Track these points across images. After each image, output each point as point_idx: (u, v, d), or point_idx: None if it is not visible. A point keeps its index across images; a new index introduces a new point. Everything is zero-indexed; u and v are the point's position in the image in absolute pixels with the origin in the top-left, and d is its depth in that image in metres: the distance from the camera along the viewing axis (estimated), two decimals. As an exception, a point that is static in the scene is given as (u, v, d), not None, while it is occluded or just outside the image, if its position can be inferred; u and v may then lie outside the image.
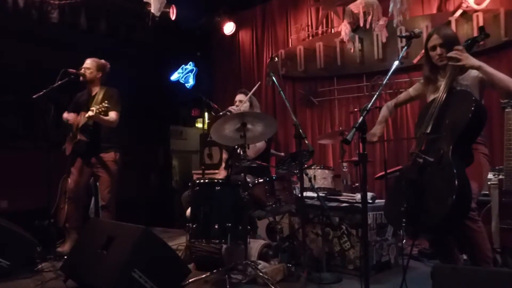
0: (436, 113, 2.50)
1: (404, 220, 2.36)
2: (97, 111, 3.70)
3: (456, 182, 2.22)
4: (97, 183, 4.15)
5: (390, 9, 4.75)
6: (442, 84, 2.58)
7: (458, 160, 2.34)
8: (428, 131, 2.50)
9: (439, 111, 2.50)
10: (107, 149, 4.06)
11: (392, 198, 2.73)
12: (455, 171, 2.26)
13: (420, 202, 2.35)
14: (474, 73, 2.58)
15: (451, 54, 2.53)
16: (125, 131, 4.26)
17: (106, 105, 3.72)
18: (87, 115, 3.76)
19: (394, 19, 4.80)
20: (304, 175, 3.29)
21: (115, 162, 4.07)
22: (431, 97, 2.74)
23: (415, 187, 2.40)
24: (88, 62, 4.10)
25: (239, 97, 4.07)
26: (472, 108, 2.37)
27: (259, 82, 4.01)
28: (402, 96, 3.10)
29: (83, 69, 4.05)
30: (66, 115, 4.14)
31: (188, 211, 3.69)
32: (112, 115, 3.94)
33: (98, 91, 4.07)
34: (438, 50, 2.67)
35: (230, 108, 3.95)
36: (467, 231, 2.42)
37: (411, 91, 3.01)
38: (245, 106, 3.95)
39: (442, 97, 2.52)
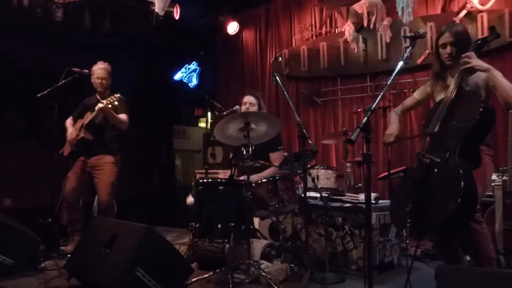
0: (444, 113, 2.49)
1: (408, 220, 2.35)
2: (108, 102, 3.71)
3: (462, 183, 2.21)
4: (97, 185, 4.14)
5: (399, 8, 4.73)
6: (451, 83, 2.56)
7: (464, 161, 2.32)
8: (435, 131, 2.48)
9: (447, 111, 2.49)
10: (109, 151, 4.06)
11: (397, 198, 2.72)
12: (461, 171, 2.25)
13: (426, 203, 2.34)
14: (483, 74, 2.57)
15: (461, 61, 2.51)
16: (128, 130, 4.26)
17: (118, 96, 3.72)
18: (98, 107, 3.76)
19: (404, 18, 4.78)
20: (307, 175, 3.29)
21: (115, 165, 4.07)
22: (439, 97, 2.72)
23: (421, 188, 2.39)
24: (101, 72, 4.09)
25: (248, 99, 3.91)
26: (480, 109, 2.36)
27: (236, 107, 3.93)
28: (408, 102, 3.03)
29: (100, 80, 4.06)
30: (68, 125, 4.15)
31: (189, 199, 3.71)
32: (123, 116, 3.96)
33: (108, 95, 4.08)
34: (448, 49, 2.63)
35: (235, 108, 3.92)
36: (470, 232, 2.42)
37: (417, 95, 2.95)
38: (254, 109, 3.88)
39: (451, 97, 2.50)
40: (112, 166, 4.05)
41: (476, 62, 2.47)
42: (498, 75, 2.46)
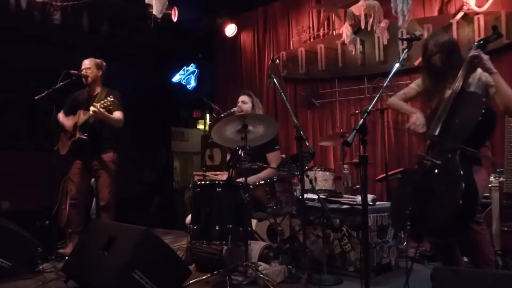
0: (445, 115, 2.48)
1: (409, 223, 2.34)
2: (101, 106, 3.71)
3: (463, 185, 2.21)
4: (96, 184, 4.15)
5: (398, 9, 4.72)
6: (459, 76, 2.51)
7: (465, 163, 2.32)
8: (436, 133, 2.47)
9: (448, 113, 2.47)
10: (106, 150, 4.06)
11: (397, 200, 2.72)
12: (462, 173, 2.25)
13: (426, 205, 2.33)
14: (483, 77, 2.56)
15: (473, 53, 2.48)
16: (127, 132, 4.27)
17: (112, 99, 3.72)
18: (91, 111, 3.75)
19: (400, 19, 4.78)
20: (305, 177, 3.29)
21: (114, 162, 4.08)
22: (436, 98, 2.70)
23: (421, 190, 2.38)
24: (87, 62, 4.12)
25: (242, 98, 4.02)
26: (482, 111, 2.35)
27: (234, 109, 4.00)
28: (410, 93, 2.90)
29: (84, 70, 4.06)
30: (62, 118, 4.13)
31: (188, 218, 3.70)
32: (118, 114, 3.95)
33: (100, 91, 4.07)
34: (437, 58, 2.63)
35: (233, 110, 3.95)
36: (470, 234, 2.41)
37: (416, 86, 2.88)
38: (247, 107, 3.94)
39: (451, 98, 2.49)
40: (111, 164, 4.05)
41: (488, 62, 2.46)
42: (502, 81, 2.45)
